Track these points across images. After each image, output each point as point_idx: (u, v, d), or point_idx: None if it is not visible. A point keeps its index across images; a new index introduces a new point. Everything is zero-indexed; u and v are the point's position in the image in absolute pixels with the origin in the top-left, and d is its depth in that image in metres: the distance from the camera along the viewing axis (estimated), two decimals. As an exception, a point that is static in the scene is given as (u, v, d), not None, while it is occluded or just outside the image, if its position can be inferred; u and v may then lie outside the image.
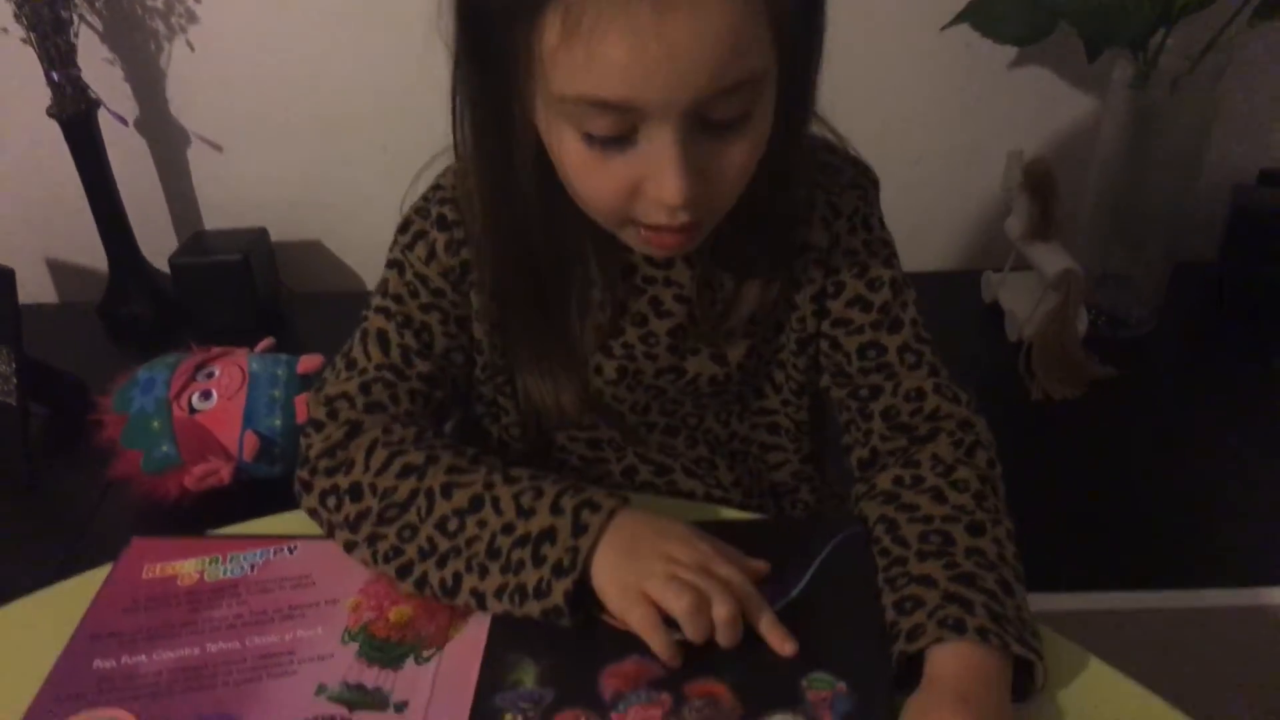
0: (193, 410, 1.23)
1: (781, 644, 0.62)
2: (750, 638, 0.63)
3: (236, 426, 1.22)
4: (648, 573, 0.63)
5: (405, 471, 0.71)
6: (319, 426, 0.75)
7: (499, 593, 0.65)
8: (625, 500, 0.67)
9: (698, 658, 0.62)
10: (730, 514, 0.77)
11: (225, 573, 0.74)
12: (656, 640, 0.62)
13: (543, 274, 0.74)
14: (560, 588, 0.63)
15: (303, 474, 0.75)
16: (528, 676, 0.63)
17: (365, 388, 0.76)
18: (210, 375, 1.27)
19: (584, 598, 0.65)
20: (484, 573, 0.66)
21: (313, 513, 0.75)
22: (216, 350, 1.32)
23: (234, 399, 1.23)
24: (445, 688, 0.64)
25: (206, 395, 1.24)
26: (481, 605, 0.67)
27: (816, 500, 0.89)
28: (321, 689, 0.65)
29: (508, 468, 0.70)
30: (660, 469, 0.85)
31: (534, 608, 0.64)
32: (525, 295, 0.75)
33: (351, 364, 0.78)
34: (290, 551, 0.76)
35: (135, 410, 1.23)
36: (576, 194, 0.66)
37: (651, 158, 0.60)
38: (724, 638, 0.62)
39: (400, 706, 0.63)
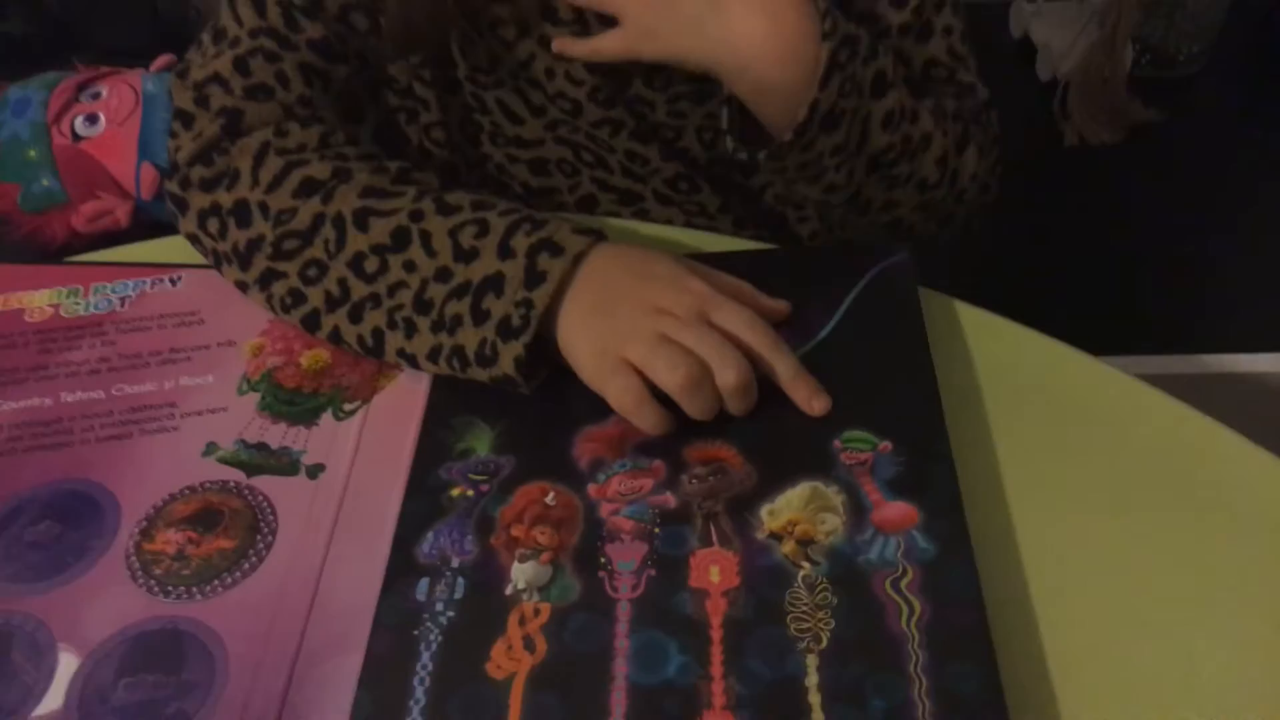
0: (76, 137, 1.03)
1: (809, 400, 0.48)
2: (769, 390, 0.48)
3: (131, 157, 1.03)
4: (629, 333, 0.48)
5: (306, 188, 0.53)
6: (186, 120, 0.57)
7: (433, 355, 0.50)
8: (599, 237, 0.51)
9: (699, 414, 0.48)
10: (734, 244, 0.61)
11: (88, 307, 0.58)
12: (643, 419, 0.48)
13: None
14: (509, 353, 0.48)
15: (173, 186, 0.57)
16: (480, 442, 0.49)
17: (241, 64, 0.56)
18: (96, 96, 1.06)
19: (546, 356, 0.50)
20: (411, 330, 0.50)
21: (192, 239, 0.58)
22: (105, 69, 1.10)
23: (126, 125, 1.03)
24: (373, 451, 0.50)
25: (92, 119, 1.04)
26: (414, 366, 0.51)
27: (823, 230, 0.73)
28: (211, 448, 0.50)
29: (443, 191, 0.53)
30: (626, 196, 0.68)
31: (479, 374, 0.49)
32: None
33: (220, 35, 0.58)
34: (173, 283, 0.59)
35: (6, 136, 1.03)
36: None
37: None
38: (734, 407, 0.48)
39: (314, 471, 0.49)
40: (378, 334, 0.51)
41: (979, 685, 0.39)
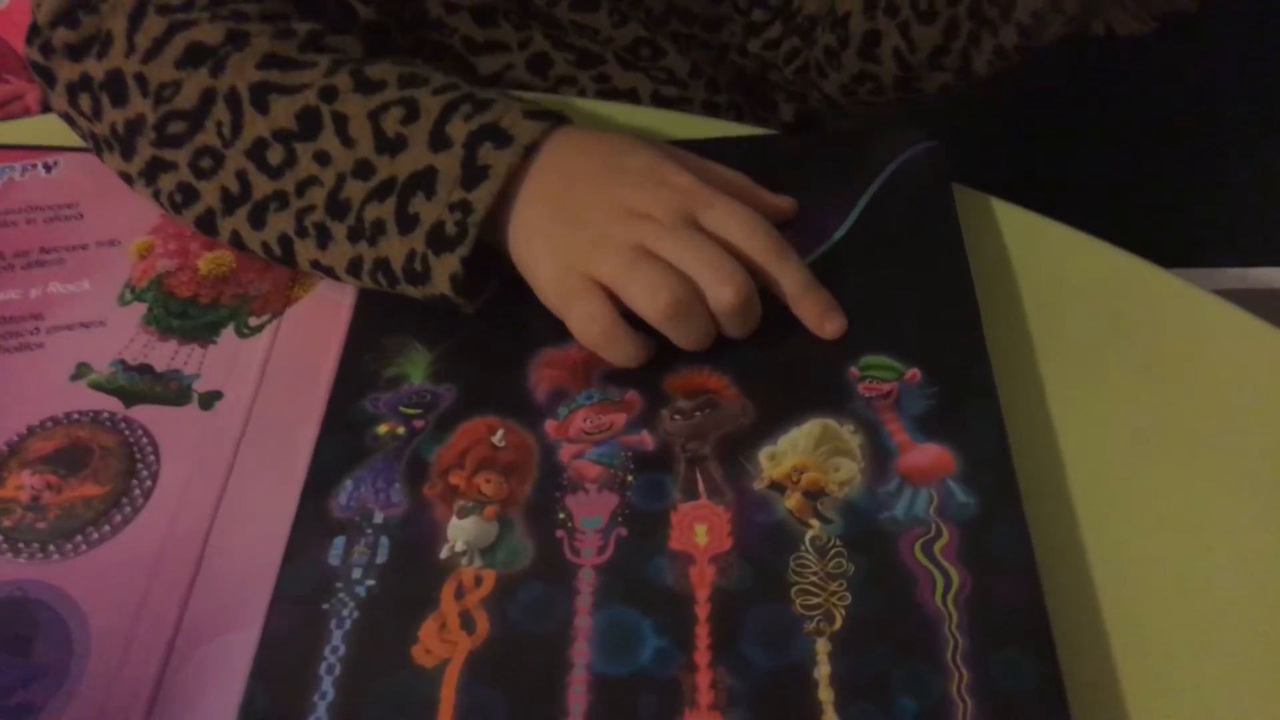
0: (-23, 11, 0.90)
1: (820, 318, 0.39)
2: (770, 307, 0.39)
3: (40, 35, 0.90)
4: (597, 244, 0.38)
5: (193, 57, 0.43)
6: None
7: (353, 269, 0.40)
8: (558, 121, 0.41)
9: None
10: (724, 128, 0.51)
11: (-59, 198, 0.48)
12: (614, 352, 0.39)
13: None
14: (443, 269, 0.38)
15: (33, 53, 0.47)
16: (415, 368, 0.40)
17: None
18: (0, -35, 0.92)
19: (494, 267, 0.41)
20: (325, 238, 0.40)
21: (66, 119, 0.47)
22: (12, -65, 0.97)
23: (34, -3, 0.91)
24: (283, 376, 0.41)
25: (-5, -9, 0.91)
26: (335, 278, 0.42)
27: (817, 97, 0.62)
28: (83, 371, 0.41)
29: (363, 62, 0.43)
30: (584, 57, 0.57)
31: (411, 291, 0.40)
32: None
33: None
34: (48, 169, 0.49)
35: (-104, 9, 0.90)
36: None
37: None
38: (733, 329, 0.39)
39: (209, 400, 0.40)
40: (286, 242, 0.41)
41: (1034, 679, 0.31)
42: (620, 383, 0.39)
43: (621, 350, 0.38)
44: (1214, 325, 0.42)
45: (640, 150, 0.42)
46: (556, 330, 0.40)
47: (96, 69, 0.44)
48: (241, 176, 0.42)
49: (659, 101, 0.57)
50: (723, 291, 0.37)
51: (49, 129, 0.51)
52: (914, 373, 0.38)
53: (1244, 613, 0.34)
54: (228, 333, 0.42)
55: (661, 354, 0.39)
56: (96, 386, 0.40)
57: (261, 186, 0.41)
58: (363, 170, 0.40)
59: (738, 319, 0.38)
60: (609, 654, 0.32)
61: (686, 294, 0.37)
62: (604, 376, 0.39)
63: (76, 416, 0.39)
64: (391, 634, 0.33)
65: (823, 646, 0.32)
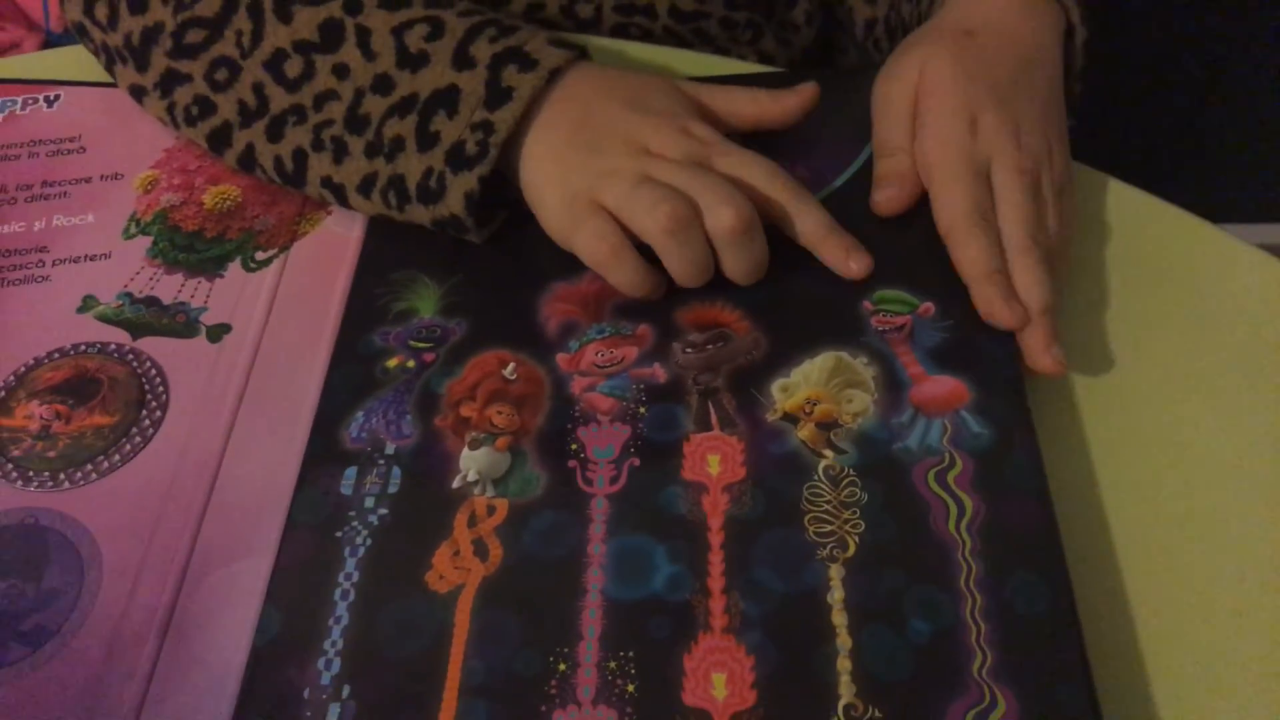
0: (-29, -45, 0.89)
1: (845, 258, 0.39)
2: (782, 242, 0.39)
3: (36, -20, 0.89)
4: (607, 172, 0.38)
5: None
6: None
7: (365, 187, 0.40)
8: (581, 53, 0.41)
9: (696, 269, 0.39)
10: (742, 67, 0.50)
11: (-59, 132, 0.47)
12: (621, 271, 0.38)
13: None
14: (459, 187, 0.38)
15: None
16: (424, 302, 0.40)
17: None
18: (-7, -92, 0.91)
19: (505, 198, 0.40)
20: (341, 153, 0.40)
21: (79, 31, 0.47)
22: (4, -122, 0.95)
23: (28, -59, 0.89)
24: (291, 309, 0.40)
25: (-12, -65, 0.89)
26: (342, 200, 0.41)
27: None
28: (89, 303, 0.41)
29: None
30: None
31: (420, 214, 0.39)
32: None
33: None
34: (50, 103, 0.48)
35: (-113, -48, 0.88)
36: None
37: None
38: (731, 261, 0.38)
39: (217, 333, 0.40)
40: (300, 156, 0.41)
41: (1047, 602, 0.31)
42: (631, 316, 0.39)
43: (630, 271, 0.38)
44: (1233, 265, 0.42)
45: (663, 93, 0.41)
46: (566, 265, 0.39)
47: None
48: (259, 89, 0.41)
49: (676, 15, 0.56)
50: (722, 212, 0.37)
51: (48, 64, 0.50)
52: (928, 306, 0.38)
53: (1258, 544, 0.34)
54: (234, 266, 0.42)
55: (672, 288, 0.39)
56: (103, 318, 0.40)
57: (279, 99, 0.41)
58: (382, 85, 0.40)
59: (736, 247, 0.37)
60: (622, 579, 0.32)
61: (686, 210, 0.37)
62: (615, 310, 0.39)
63: (84, 348, 0.39)
64: (405, 561, 0.33)
65: (836, 572, 0.32)
